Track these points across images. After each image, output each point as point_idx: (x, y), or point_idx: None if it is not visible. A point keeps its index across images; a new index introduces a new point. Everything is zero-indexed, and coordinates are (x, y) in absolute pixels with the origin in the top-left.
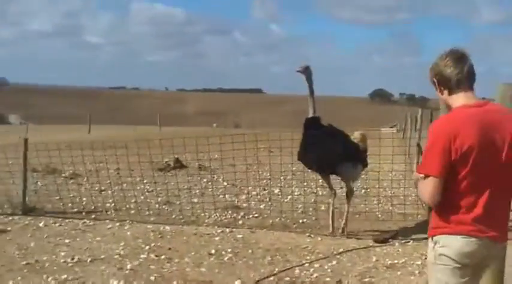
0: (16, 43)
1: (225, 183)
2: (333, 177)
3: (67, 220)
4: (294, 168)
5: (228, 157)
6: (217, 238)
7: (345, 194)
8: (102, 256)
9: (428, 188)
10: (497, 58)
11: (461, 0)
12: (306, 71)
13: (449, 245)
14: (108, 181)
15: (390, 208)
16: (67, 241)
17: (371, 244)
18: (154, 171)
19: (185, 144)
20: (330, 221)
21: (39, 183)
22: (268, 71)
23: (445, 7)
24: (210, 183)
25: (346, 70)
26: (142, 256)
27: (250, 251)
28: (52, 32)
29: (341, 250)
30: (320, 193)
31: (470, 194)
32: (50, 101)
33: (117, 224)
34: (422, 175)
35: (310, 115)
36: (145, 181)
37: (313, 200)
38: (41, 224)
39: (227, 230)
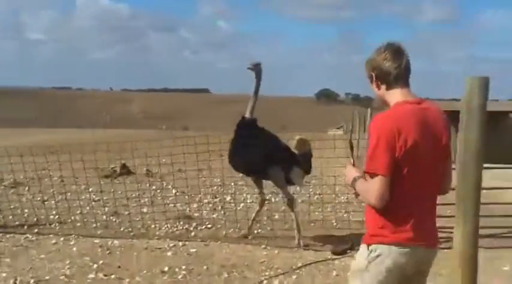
0: None
1: (175, 191)
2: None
3: (8, 236)
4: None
5: (177, 161)
6: (169, 253)
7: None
8: (47, 277)
9: (375, 187)
10: (439, 56)
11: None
12: (256, 68)
13: (386, 255)
14: (52, 190)
15: (345, 215)
16: (8, 260)
17: (329, 257)
18: (100, 178)
19: (132, 149)
20: (249, 225)
21: None
22: (215, 69)
23: (390, 6)
24: (159, 191)
25: (294, 68)
26: (90, 275)
27: (205, 267)
28: None
29: (299, 264)
30: (273, 200)
31: (410, 196)
32: None
33: (62, 239)
34: (366, 175)
35: (247, 115)
36: (90, 190)
37: (266, 208)
38: None
39: (180, 243)
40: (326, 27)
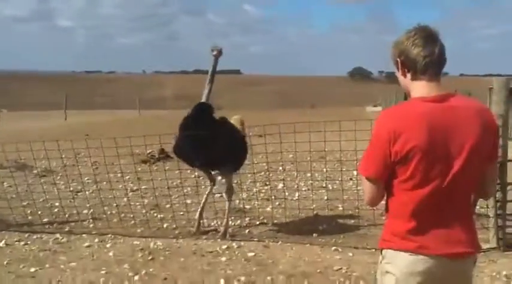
0: None
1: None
2: None
3: (35, 236)
4: (290, 156)
5: None
6: (223, 259)
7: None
8: None
9: (366, 189)
10: (472, 33)
11: None
12: (219, 53)
13: (394, 263)
14: (87, 179)
15: None
16: (33, 270)
17: None
18: (137, 165)
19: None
20: (197, 219)
21: (5, 183)
22: (245, 51)
23: None
24: (202, 178)
25: (324, 50)
26: None
27: (269, 278)
28: (26, 16)
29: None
30: (330, 187)
31: (415, 203)
32: (24, 87)
33: (97, 240)
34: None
35: (203, 100)
36: (127, 178)
37: (325, 197)
38: (1, 244)
39: (234, 245)
40: (354, 8)
